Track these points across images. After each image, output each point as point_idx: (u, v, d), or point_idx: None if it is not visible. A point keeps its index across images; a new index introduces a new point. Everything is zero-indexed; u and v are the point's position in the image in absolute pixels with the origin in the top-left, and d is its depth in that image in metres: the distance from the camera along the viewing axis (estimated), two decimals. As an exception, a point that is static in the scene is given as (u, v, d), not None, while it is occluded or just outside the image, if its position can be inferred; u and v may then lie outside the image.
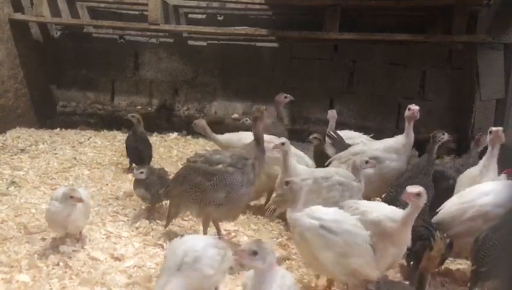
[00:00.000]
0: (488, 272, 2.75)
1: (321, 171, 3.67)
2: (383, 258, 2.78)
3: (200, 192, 3.25)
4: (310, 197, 3.52)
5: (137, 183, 3.88)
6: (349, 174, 3.61)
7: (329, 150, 4.66)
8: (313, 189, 3.54)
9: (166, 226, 3.57)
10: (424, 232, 2.93)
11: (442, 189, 3.71)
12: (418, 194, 2.65)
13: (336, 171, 3.75)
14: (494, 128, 3.60)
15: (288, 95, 5.37)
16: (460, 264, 3.42)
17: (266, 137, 3.47)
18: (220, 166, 3.20)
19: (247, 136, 4.34)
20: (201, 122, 4.83)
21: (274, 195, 3.82)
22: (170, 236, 3.51)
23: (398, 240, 2.75)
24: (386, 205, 3.07)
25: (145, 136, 5.26)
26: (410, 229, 2.72)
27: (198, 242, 2.59)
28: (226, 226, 3.77)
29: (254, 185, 3.39)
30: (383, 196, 3.86)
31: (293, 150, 4.03)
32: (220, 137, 4.66)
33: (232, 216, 3.48)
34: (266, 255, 2.00)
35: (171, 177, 3.94)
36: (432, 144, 3.72)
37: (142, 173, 3.83)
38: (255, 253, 1.99)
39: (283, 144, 3.66)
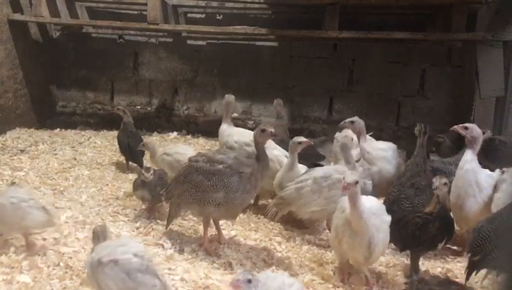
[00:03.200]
0: (480, 260, 2.82)
1: (320, 171, 3.66)
2: (354, 248, 2.84)
3: (200, 191, 3.25)
4: (311, 197, 3.55)
5: (141, 185, 3.84)
6: (347, 170, 3.60)
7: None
8: (313, 189, 3.55)
9: (167, 226, 3.57)
10: (419, 219, 3.01)
11: None
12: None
13: (335, 168, 3.74)
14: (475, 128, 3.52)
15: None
16: (459, 262, 3.43)
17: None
18: (221, 166, 3.20)
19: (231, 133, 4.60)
20: (152, 144, 4.87)
21: (276, 197, 3.83)
22: (171, 236, 3.53)
23: (357, 227, 2.79)
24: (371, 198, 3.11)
25: (135, 130, 5.35)
26: (362, 214, 2.76)
27: (124, 247, 2.42)
28: (226, 225, 3.78)
29: (251, 195, 3.40)
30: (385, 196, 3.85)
31: (273, 145, 4.14)
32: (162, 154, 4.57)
33: (232, 216, 3.48)
34: (258, 282, 2.11)
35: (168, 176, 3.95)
36: (419, 140, 3.70)
37: (151, 175, 3.80)
38: (249, 281, 2.09)
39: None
